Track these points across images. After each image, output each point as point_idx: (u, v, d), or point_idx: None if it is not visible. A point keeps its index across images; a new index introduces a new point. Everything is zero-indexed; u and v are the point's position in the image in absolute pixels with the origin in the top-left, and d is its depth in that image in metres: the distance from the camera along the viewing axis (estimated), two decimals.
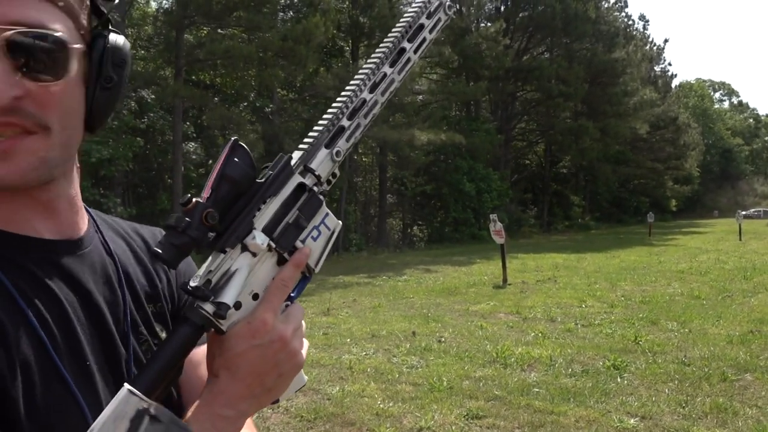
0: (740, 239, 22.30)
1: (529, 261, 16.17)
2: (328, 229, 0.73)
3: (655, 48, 40.79)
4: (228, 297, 0.64)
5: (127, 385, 0.59)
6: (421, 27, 0.75)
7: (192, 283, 0.64)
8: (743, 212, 28.24)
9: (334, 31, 20.33)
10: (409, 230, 28.19)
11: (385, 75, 0.73)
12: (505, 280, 11.42)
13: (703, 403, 4.59)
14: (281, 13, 19.09)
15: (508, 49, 28.37)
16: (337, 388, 5.10)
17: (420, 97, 28.50)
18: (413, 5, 0.76)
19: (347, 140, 0.72)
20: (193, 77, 20.21)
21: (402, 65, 0.74)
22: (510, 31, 29.19)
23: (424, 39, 0.75)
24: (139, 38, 19.72)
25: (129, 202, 18.16)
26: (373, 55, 0.73)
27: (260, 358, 0.66)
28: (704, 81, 79.97)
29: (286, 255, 0.69)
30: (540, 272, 13.49)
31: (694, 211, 53.87)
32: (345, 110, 0.72)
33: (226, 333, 0.65)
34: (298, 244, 0.70)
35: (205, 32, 18.55)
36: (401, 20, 0.75)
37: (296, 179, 0.69)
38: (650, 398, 4.76)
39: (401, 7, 25.76)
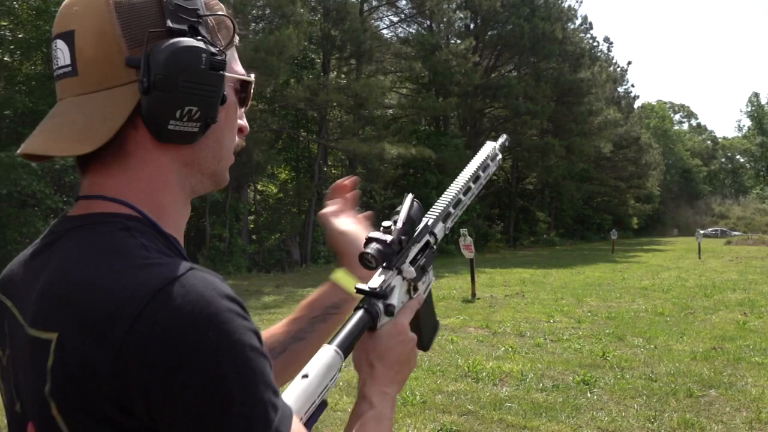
0: (699, 257, 22.89)
1: (496, 276, 16.31)
2: (431, 279, 1.01)
3: (618, 69, 41.81)
4: (394, 301, 0.89)
5: (334, 345, 0.79)
6: (487, 166, 1.12)
7: (373, 285, 0.87)
8: (702, 231, 29.00)
9: (306, 43, 20.33)
10: None
11: (470, 188, 1.07)
12: (473, 295, 11.50)
13: (671, 419, 4.67)
14: (253, 24, 18.99)
15: (477, 66, 28.79)
16: None
17: (390, 111, 28.69)
18: (483, 153, 1.12)
19: (452, 221, 1.04)
20: None
21: (478, 185, 1.09)
22: (479, 49, 29.59)
23: (489, 174, 1.13)
24: None
25: None
26: (463, 174, 1.07)
27: (402, 352, 0.87)
28: (665, 103, 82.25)
29: (413, 284, 0.94)
30: (508, 287, 13.62)
31: (655, 229, 55.14)
32: (452, 202, 1.03)
33: (378, 331, 0.87)
34: (420, 283, 0.96)
35: None
36: (478, 158, 1.11)
37: (426, 237, 0.97)
38: (620, 413, 4.82)
39: (372, 22, 25.96)
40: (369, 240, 0.89)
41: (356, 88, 21.36)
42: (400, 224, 0.91)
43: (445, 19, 27.90)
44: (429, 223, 0.98)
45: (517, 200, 37.10)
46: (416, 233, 0.95)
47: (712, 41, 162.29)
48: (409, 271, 0.92)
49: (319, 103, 21.20)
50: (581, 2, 37.25)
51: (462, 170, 1.07)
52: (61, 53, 0.72)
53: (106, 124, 0.69)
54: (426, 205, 0.98)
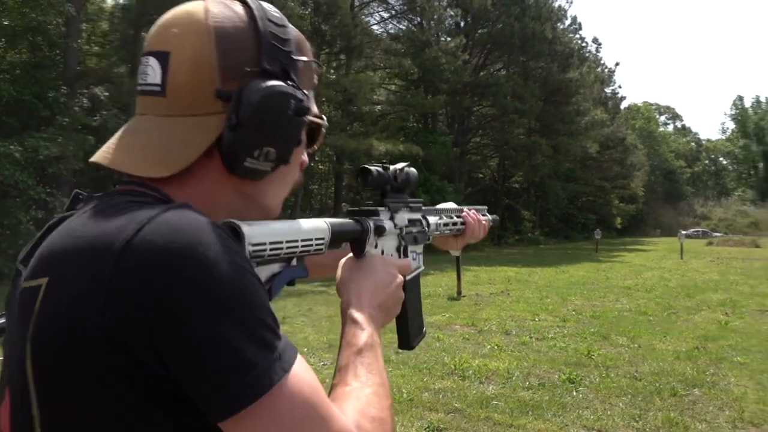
0: (682, 258, 23.14)
1: (481, 273, 16.37)
2: (420, 263, 1.10)
3: (606, 70, 42.11)
4: (387, 226, 0.97)
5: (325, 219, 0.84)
6: (456, 225, 1.30)
7: (365, 206, 0.97)
8: (684, 232, 29.29)
9: None
10: None
11: (450, 223, 1.26)
12: (459, 292, 11.53)
13: (655, 417, 4.73)
14: None
15: (466, 64, 28.81)
16: None
17: (378, 107, 28.63)
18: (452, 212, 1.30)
19: (438, 229, 1.18)
20: None
21: (450, 227, 1.26)
22: (469, 47, 29.63)
23: (453, 229, 1.29)
24: (93, 34, 19.16)
25: None
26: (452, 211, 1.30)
27: (386, 279, 0.89)
28: (651, 104, 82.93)
29: (402, 244, 1.04)
30: (493, 285, 13.68)
31: (638, 229, 55.60)
32: (445, 217, 1.22)
33: (364, 257, 0.92)
34: (410, 248, 1.06)
35: None
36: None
37: (420, 215, 1.09)
38: (605, 412, 4.87)
39: (363, 17, 25.89)
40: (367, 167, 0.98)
41: (345, 84, 21.31)
42: (399, 166, 1.01)
43: (435, 17, 27.91)
44: (423, 208, 1.09)
45: (503, 199, 37.23)
46: (412, 201, 1.06)
47: (697, 44, 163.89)
48: (402, 217, 1.01)
49: None
50: (571, 3, 37.35)
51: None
52: (152, 71, 0.73)
53: (187, 151, 0.71)
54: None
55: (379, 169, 0.98)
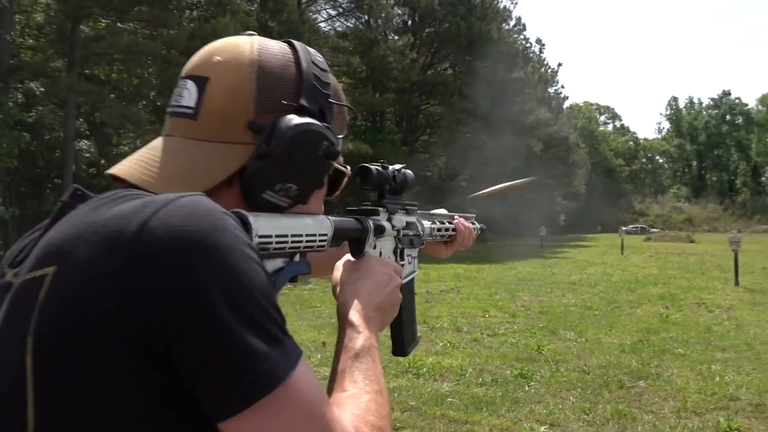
0: (622, 253, 23.94)
1: (431, 271, 16.50)
2: (415, 268, 1.13)
3: (549, 71, 43.12)
4: (386, 227, 0.96)
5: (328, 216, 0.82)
6: (448, 231, 1.30)
7: (365, 206, 0.97)
8: (624, 228, 30.30)
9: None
10: None
11: (441, 229, 1.26)
12: None
13: (604, 410, 4.85)
14: (188, 11, 18.43)
15: (414, 63, 29.00)
16: None
17: None
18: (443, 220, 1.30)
19: (429, 234, 1.18)
20: (87, 71, 19.05)
21: (439, 233, 1.26)
22: (416, 46, 29.83)
23: (441, 235, 1.28)
24: (27, 26, 18.34)
25: (11, 201, 16.77)
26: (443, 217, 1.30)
27: (383, 279, 0.87)
28: (591, 104, 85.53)
29: (399, 246, 1.03)
30: (443, 282, 13.81)
31: (581, 225, 57.26)
32: (438, 223, 1.23)
33: (362, 257, 0.90)
34: (407, 251, 1.06)
35: (104, 25, 17.56)
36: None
37: (415, 218, 1.09)
38: (556, 406, 4.97)
39: (310, 14, 25.70)
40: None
41: None
42: (397, 166, 1.01)
43: (383, 15, 27.96)
44: (418, 213, 1.10)
45: (450, 196, 37.65)
46: (408, 204, 1.06)
47: (635, 47, 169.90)
48: (399, 219, 1.00)
49: None
50: (516, 4, 38.10)
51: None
52: (188, 93, 0.73)
53: (208, 176, 0.70)
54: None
55: (379, 168, 0.97)
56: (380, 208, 0.97)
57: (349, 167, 0.86)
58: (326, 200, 0.87)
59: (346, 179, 0.86)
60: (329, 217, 0.82)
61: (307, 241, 0.76)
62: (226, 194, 0.71)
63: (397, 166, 1.01)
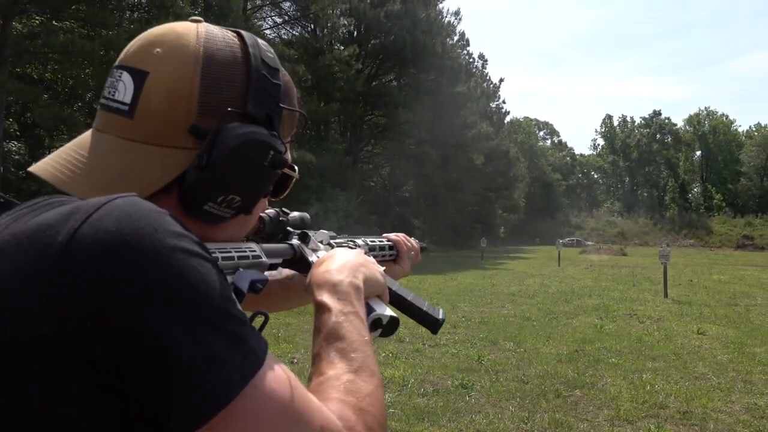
0: (559, 265, 24.62)
1: None
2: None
3: (491, 86, 44.11)
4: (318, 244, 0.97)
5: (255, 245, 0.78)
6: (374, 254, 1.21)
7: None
8: (561, 241, 31.20)
9: None
10: None
11: (374, 248, 1.20)
12: None
13: (542, 419, 4.96)
14: (128, 12, 17.94)
15: (359, 74, 29.11)
16: None
17: None
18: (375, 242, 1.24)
19: (370, 252, 1.14)
20: (19, 70, 18.25)
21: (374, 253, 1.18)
22: (362, 57, 29.98)
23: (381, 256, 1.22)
24: None
25: None
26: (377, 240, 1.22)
27: (353, 258, 0.83)
28: (531, 120, 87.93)
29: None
30: None
31: (520, 237, 58.60)
32: (371, 243, 1.17)
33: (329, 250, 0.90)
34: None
35: (38, 22, 16.88)
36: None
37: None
38: (496, 415, 5.04)
39: (255, 21, 25.45)
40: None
41: None
42: (295, 213, 0.98)
43: (329, 24, 28.02)
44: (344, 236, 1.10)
45: (393, 207, 37.89)
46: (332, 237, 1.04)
47: (574, 65, 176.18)
48: (323, 236, 1.01)
49: None
50: (460, 19, 38.80)
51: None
52: (123, 87, 0.66)
53: (144, 184, 0.63)
54: (304, 211, 1.01)
55: (272, 215, 0.92)
56: (298, 234, 0.94)
57: (297, 169, 0.81)
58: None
59: (293, 182, 0.80)
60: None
61: (238, 257, 0.71)
62: (162, 202, 0.65)
63: (295, 214, 0.98)
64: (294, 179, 0.80)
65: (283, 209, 0.95)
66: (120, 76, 0.67)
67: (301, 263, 0.89)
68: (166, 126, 0.65)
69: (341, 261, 0.81)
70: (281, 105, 0.72)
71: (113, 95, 0.67)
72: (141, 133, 0.66)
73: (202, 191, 0.65)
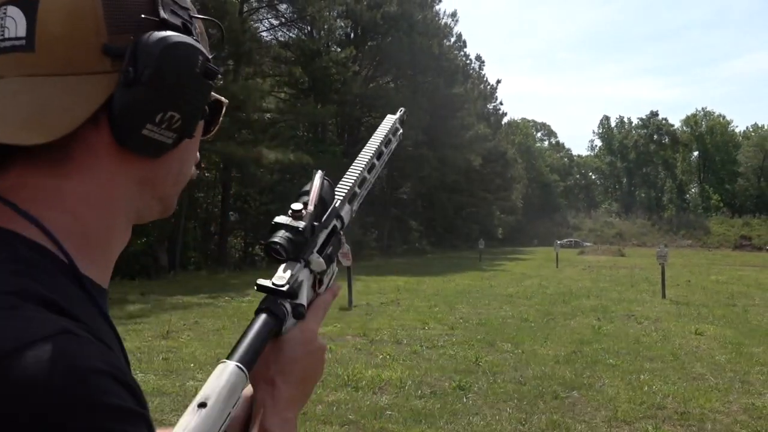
0: (557, 266, 24.62)
1: (372, 283, 16.50)
2: (334, 270, 0.87)
3: (489, 87, 44.15)
4: (303, 301, 0.75)
5: (234, 361, 0.63)
6: (390, 141, 1.04)
7: (278, 282, 0.73)
8: (559, 242, 31.20)
9: None
10: (250, 249, 27.55)
11: (374, 165, 0.98)
12: (350, 302, 11.54)
13: (540, 420, 4.94)
14: None
15: (356, 76, 29.12)
16: None
17: (268, 115, 28.22)
18: (386, 125, 1.05)
19: (358, 202, 0.93)
20: None
21: (381, 161, 1.00)
22: (359, 58, 29.99)
23: (391, 150, 1.04)
24: None
25: None
26: (367, 150, 0.98)
27: (310, 364, 0.73)
28: (528, 121, 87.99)
29: (318, 277, 0.80)
30: (383, 294, 13.82)
31: (518, 239, 58.57)
32: (358, 181, 0.92)
33: (282, 338, 0.72)
34: (325, 276, 0.82)
35: None
36: (380, 131, 1.03)
37: (334, 222, 0.84)
38: (494, 417, 5.03)
39: (252, 23, 25.45)
40: (277, 226, 0.76)
41: (234, 90, 20.80)
42: (311, 207, 0.78)
43: (326, 26, 28.01)
44: (336, 205, 0.86)
45: (391, 209, 37.88)
46: (325, 217, 0.83)
47: (571, 66, 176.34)
48: (318, 262, 0.79)
49: None
50: (457, 21, 38.79)
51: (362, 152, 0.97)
52: (13, 23, 0.58)
53: (67, 116, 0.56)
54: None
55: (289, 236, 0.75)
56: (294, 268, 0.76)
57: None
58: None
59: (223, 110, 0.71)
60: (239, 365, 0.64)
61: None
62: (92, 145, 0.59)
63: (311, 206, 0.80)
64: (224, 106, 0.71)
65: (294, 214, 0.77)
66: (5, 13, 0.59)
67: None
68: (75, 51, 0.58)
69: (301, 372, 0.72)
70: (193, 15, 0.65)
71: (3, 35, 0.59)
72: (48, 64, 0.58)
73: (136, 111, 0.58)
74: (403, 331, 9.06)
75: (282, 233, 0.75)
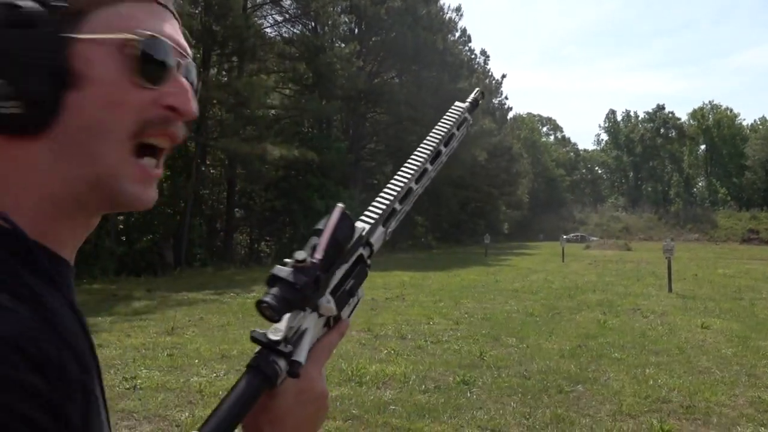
0: (563, 261, 24.54)
1: (376, 278, 16.49)
2: (359, 297, 0.77)
3: (494, 82, 43.97)
4: (301, 356, 0.65)
5: None
6: (453, 136, 0.91)
7: (272, 336, 0.64)
8: (565, 236, 31.09)
9: None
10: (256, 246, 27.58)
11: (426, 170, 0.85)
12: None
13: (544, 414, 4.93)
14: None
15: (361, 71, 29.04)
16: (187, 414, 4.79)
17: (273, 111, 28.22)
18: (448, 118, 0.92)
19: (397, 220, 0.81)
20: None
21: (438, 164, 0.89)
22: (363, 54, 29.93)
23: (453, 146, 0.92)
24: None
25: None
26: (418, 153, 0.87)
27: (304, 414, 0.65)
28: (534, 115, 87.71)
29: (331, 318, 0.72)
30: (388, 290, 13.81)
31: (524, 233, 58.42)
32: (399, 196, 0.81)
33: (276, 389, 0.64)
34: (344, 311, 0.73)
35: None
36: (439, 128, 0.91)
37: (360, 251, 0.74)
38: (498, 411, 5.01)
39: (256, 19, 25.43)
40: (273, 280, 0.63)
41: (238, 87, 20.79)
42: (318, 256, 0.65)
43: (330, 22, 27.93)
44: (364, 233, 0.74)
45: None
46: (348, 248, 0.72)
47: (577, 60, 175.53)
48: (329, 308, 0.68)
49: (198, 99, 20.43)
50: (461, 15, 38.69)
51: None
52: None
53: None
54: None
55: (282, 295, 0.63)
56: (296, 318, 0.66)
57: (167, 28, 0.61)
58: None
59: (163, 47, 0.59)
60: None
61: None
62: None
63: (318, 254, 0.67)
64: (160, 42, 0.58)
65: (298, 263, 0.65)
66: None
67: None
68: None
69: (294, 424, 0.65)
70: None
71: None
72: None
73: None
74: (407, 326, 9.06)
75: (275, 290, 0.62)
